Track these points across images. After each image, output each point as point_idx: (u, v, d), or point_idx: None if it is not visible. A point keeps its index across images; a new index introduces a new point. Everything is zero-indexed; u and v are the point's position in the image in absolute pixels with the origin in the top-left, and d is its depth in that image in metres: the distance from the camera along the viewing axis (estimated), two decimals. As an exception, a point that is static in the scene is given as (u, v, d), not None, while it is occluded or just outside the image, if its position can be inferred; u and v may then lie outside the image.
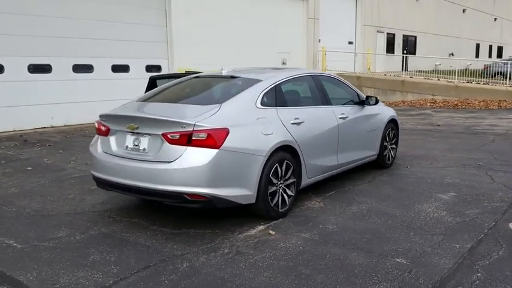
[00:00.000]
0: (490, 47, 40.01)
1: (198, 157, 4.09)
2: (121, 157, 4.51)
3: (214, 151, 4.10)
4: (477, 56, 36.93)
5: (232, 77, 5.25)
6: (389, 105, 15.43)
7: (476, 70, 22.90)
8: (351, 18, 23.13)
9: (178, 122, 4.15)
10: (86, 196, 5.63)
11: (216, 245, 4.09)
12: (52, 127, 11.84)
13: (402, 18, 26.66)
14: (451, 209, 5.04)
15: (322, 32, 20.62)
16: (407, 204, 5.22)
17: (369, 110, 6.38)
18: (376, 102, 6.31)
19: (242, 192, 4.32)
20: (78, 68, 12.56)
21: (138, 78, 13.98)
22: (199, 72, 6.36)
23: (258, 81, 4.93)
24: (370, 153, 6.44)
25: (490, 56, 39.55)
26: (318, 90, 5.64)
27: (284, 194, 4.77)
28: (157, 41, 14.46)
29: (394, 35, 26.28)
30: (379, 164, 6.79)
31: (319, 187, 5.75)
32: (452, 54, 30.97)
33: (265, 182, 4.48)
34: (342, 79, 6.39)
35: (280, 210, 4.73)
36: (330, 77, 6.15)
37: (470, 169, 6.90)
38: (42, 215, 4.96)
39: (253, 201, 4.42)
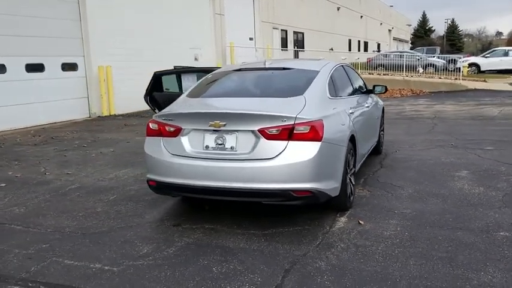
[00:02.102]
0: (359, 42, 43.78)
1: (303, 151, 3.89)
2: (200, 158, 4.08)
3: (318, 144, 3.94)
4: (349, 50, 40.14)
5: (285, 69, 5.06)
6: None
7: (356, 63, 24.71)
8: (250, 15, 23.51)
9: (278, 116, 3.90)
10: (119, 207, 4.97)
11: (325, 241, 3.92)
12: (-36, 138, 10.13)
13: (292, 16, 27.85)
14: (482, 184, 5.48)
15: (226, 28, 20.65)
16: (442, 184, 5.54)
17: (373, 98, 6.63)
18: (386, 90, 6.57)
19: (334, 184, 4.22)
20: (-11, 69, 10.93)
21: (54, 78, 12.70)
22: (210, 67, 5.97)
23: (316, 72, 4.83)
24: (375, 139, 6.69)
25: (358, 50, 43.26)
26: (349, 80, 5.72)
27: (351, 184, 4.77)
28: (72, 37, 13.20)
29: (286, 31, 27.36)
30: (376, 150, 7.08)
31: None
32: (332, 49, 33.26)
33: (345, 172, 4.43)
34: (353, 68, 6.55)
35: (351, 200, 4.72)
36: (349, 67, 6.25)
37: (450, 149, 7.56)
38: (94, 232, 4.27)
39: (338, 193, 4.34)
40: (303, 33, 29.76)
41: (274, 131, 3.89)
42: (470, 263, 3.46)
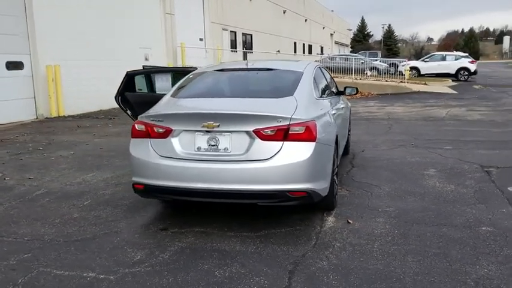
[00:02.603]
0: (303, 45, 44.60)
1: (298, 152, 3.89)
2: (191, 160, 3.97)
3: (312, 144, 3.95)
4: (295, 52, 40.84)
5: (269, 69, 5.04)
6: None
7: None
8: (200, 15, 23.29)
9: (273, 116, 3.87)
10: (97, 213, 4.73)
11: (320, 241, 3.93)
12: None
13: (241, 17, 27.90)
14: (451, 182, 5.70)
15: (177, 28, 20.35)
16: (415, 182, 5.72)
17: (343, 99, 6.75)
18: (357, 92, 6.70)
19: (324, 184, 4.24)
20: None
21: (-2, 77, 11.93)
22: (184, 67, 5.83)
23: (300, 73, 4.84)
24: (345, 139, 6.81)
25: (303, 53, 44.07)
26: (326, 81, 5.78)
27: (335, 183, 4.81)
28: (17, 34, 12.47)
29: (235, 33, 27.36)
30: (346, 150, 7.20)
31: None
32: (279, 51, 33.69)
33: (332, 172, 4.47)
34: (327, 70, 6.62)
35: (336, 199, 4.77)
36: (324, 69, 6.31)
37: (412, 149, 7.84)
38: (77, 240, 4.04)
39: (327, 193, 4.37)
40: (251, 35, 29.89)
41: (269, 132, 3.86)
42: (463, 257, 3.59)
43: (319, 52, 49.09)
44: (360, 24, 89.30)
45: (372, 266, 3.47)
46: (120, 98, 5.73)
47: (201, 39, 23.39)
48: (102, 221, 4.51)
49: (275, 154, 3.86)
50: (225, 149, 3.94)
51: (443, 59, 27.99)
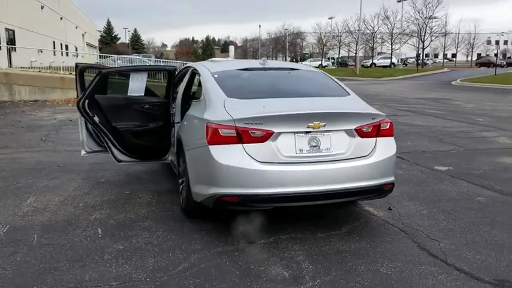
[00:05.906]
0: (61, 44, 41.10)
1: (388, 146, 4.09)
2: (293, 163, 3.68)
3: (393, 138, 4.19)
4: (54, 53, 37.26)
5: (293, 69, 4.88)
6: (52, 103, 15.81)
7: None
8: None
9: (369, 114, 3.97)
10: (143, 239, 3.82)
11: (403, 229, 4.16)
12: None
13: (3, 10, 24.05)
14: (416, 169, 6.42)
15: None
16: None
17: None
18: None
19: (384, 176, 4.46)
20: None
21: None
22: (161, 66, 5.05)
23: (324, 73, 4.97)
24: None
25: (62, 54, 40.56)
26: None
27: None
28: None
29: (-2, 27, 23.44)
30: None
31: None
32: (41, 51, 30.31)
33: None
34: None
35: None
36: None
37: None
38: (180, 272, 3.28)
39: None
40: (14, 31, 26.04)
41: (366, 129, 3.92)
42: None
43: (75, 52, 46.01)
44: (106, 26, 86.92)
45: (480, 238, 3.93)
46: (87, 102, 4.52)
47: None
48: (165, 247, 3.67)
49: (372, 150, 3.94)
50: (327, 149, 3.80)
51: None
